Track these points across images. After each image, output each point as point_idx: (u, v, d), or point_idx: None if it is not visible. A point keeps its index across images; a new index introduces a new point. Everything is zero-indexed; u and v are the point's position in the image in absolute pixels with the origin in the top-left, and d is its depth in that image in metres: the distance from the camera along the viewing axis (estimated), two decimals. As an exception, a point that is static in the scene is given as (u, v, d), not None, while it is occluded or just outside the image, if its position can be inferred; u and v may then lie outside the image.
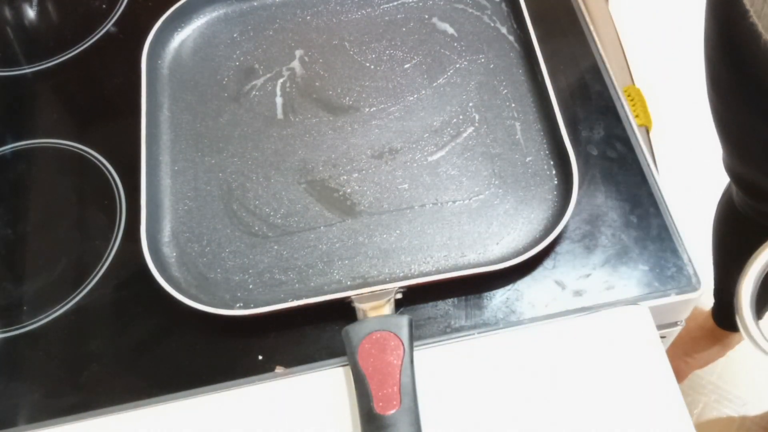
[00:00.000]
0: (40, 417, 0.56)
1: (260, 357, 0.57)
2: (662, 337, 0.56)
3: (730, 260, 0.95)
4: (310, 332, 0.58)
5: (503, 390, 0.54)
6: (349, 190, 0.64)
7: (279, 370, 0.56)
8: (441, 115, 0.67)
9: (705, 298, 0.97)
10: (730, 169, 0.79)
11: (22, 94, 0.75)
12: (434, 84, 0.69)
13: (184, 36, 0.74)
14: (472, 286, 0.58)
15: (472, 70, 0.69)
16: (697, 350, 1.17)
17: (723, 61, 0.65)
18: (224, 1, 0.75)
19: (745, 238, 0.90)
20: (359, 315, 0.55)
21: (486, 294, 0.58)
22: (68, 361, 0.59)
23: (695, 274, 0.58)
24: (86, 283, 0.62)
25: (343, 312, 0.56)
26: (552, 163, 0.63)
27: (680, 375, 1.24)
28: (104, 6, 0.80)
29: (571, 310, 0.57)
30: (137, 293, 0.60)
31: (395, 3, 0.74)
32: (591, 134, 0.65)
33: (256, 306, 0.57)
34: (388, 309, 0.55)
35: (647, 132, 1.14)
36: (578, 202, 0.60)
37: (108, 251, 0.63)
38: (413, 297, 0.57)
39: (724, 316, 1.08)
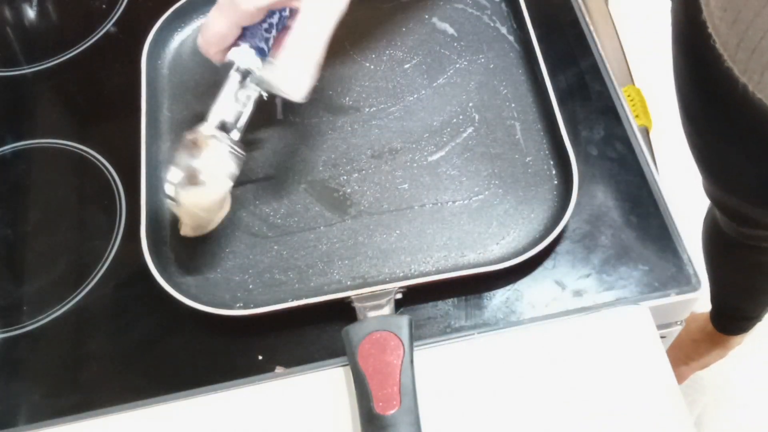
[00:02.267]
0: (40, 417, 0.56)
1: (260, 357, 0.57)
2: (662, 337, 0.56)
3: (721, 275, 0.95)
4: (310, 332, 0.58)
5: (503, 390, 0.54)
6: (349, 190, 0.64)
7: (279, 370, 0.56)
8: (441, 115, 0.67)
9: (705, 299, 0.97)
10: (711, 196, 0.79)
11: (22, 94, 0.74)
12: (434, 84, 0.69)
13: (184, 36, 0.74)
14: (472, 286, 0.58)
15: (472, 70, 0.69)
16: (697, 353, 1.17)
17: (697, 99, 0.65)
18: (224, 1, 0.75)
19: (732, 256, 0.90)
20: (359, 315, 0.55)
21: (486, 294, 0.58)
22: (68, 361, 0.59)
23: (695, 274, 0.58)
24: (86, 283, 0.62)
25: (343, 312, 0.56)
26: (552, 163, 0.63)
27: (681, 377, 1.24)
28: (104, 6, 0.80)
29: (571, 310, 0.57)
30: (137, 293, 0.60)
31: (395, 3, 0.74)
32: (591, 134, 0.65)
33: (256, 306, 0.57)
34: (388, 309, 0.55)
35: (647, 132, 1.14)
36: (578, 202, 0.60)
37: (108, 251, 0.63)
38: (413, 297, 0.57)
39: (723, 322, 1.08)
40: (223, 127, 0.58)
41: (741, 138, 0.62)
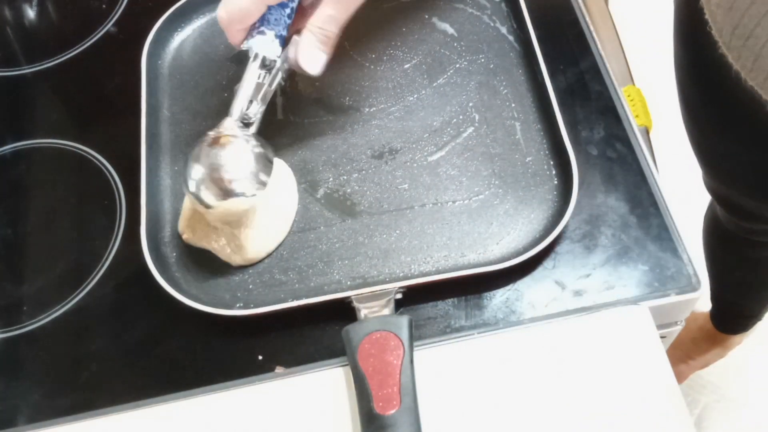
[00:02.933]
0: (40, 417, 0.56)
1: (260, 357, 0.57)
2: (662, 337, 0.56)
3: (722, 272, 0.95)
4: (310, 332, 0.58)
5: (503, 390, 0.54)
6: (349, 190, 0.64)
7: (279, 370, 0.56)
8: (441, 115, 0.67)
9: (705, 299, 0.97)
10: (712, 190, 0.79)
11: (22, 94, 0.74)
12: (434, 84, 0.69)
13: (184, 36, 0.74)
14: (472, 286, 0.58)
15: (472, 70, 0.69)
16: (697, 352, 1.17)
17: (695, 88, 0.65)
18: (224, 1, 0.75)
19: (733, 251, 0.90)
20: (359, 315, 0.55)
21: (486, 294, 0.58)
22: (68, 361, 0.59)
23: (695, 274, 0.58)
24: (86, 283, 0.62)
25: (343, 312, 0.56)
26: (552, 163, 0.63)
27: (681, 376, 1.24)
28: (104, 6, 0.80)
29: (571, 310, 0.57)
30: (137, 293, 0.60)
31: (395, 3, 0.74)
32: (591, 134, 0.65)
33: (256, 306, 0.57)
34: (388, 309, 0.55)
35: (647, 132, 1.14)
36: (578, 202, 0.60)
37: (108, 251, 0.63)
38: (413, 297, 0.57)
39: (723, 321, 1.08)
40: (245, 122, 0.57)
41: (735, 127, 0.62)
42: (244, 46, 0.57)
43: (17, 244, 0.65)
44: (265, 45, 0.57)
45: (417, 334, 0.56)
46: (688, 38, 0.63)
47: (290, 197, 0.62)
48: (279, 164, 0.63)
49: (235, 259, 0.60)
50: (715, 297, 1.03)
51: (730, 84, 0.55)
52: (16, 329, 0.61)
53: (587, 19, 0.73)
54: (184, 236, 0.61)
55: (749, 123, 0.59)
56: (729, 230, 0.86)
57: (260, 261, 0.61)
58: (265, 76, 0.58)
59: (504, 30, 0.71)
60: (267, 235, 0.60)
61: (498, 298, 0.58)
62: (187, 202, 0.62)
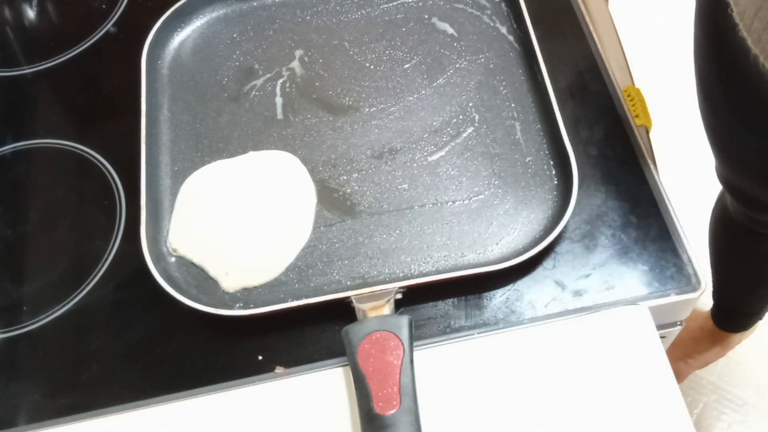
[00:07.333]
0: (40, 417, 0.56)
1: (260, 357, 0.57)
2: (662, 337, 0.56)
3: (727, 266, 0.95)
4: (310, 332, 0.58)
5: (503, 390, 0.54)
6: (349, 190, 0.64)
7: (279, 370, 0.56)
8: (441, 115, 0.67)
9: (705, 298, 0.97)
10: (724, 179, 0.79)
11: (22, 94, 0.74)
12: (434, 84, 0.69)
13: (184, 36, 0.74)
14: (472, 286, 0.58)
15: (472, 70, 0.69)
16: (697, 351, 1.17)
17: (713, 74, 0.65)
18: (224, 1, 0.75)
19: (740, 244, 0.89)
20: (359, 315, 0.55)
21: (486, 294, 0.58)
22: (68, 361, 0.59)
23: (695, 274, 0.58)
24: (86, 283, 0.62)
25: (343, 312, 0.56)
26: (552, 163, 0.63)
27: (680, 375, 1.23)
28: (104, 6, 0.80)
29: (571, 310, 0.57)
30: (137, 293, 0.60)
31: (395, 3, 0.74)
32: (591, 134, 0.65)
33: (256, 306, 0.57)
34: (387, 309, 0.55)
35: (647, 132, 1.14)
36: (578, 202, 0.60)
37: (108, 251, 0.63)
38: (413, 297, 0.57)
39: (724, 318, 1.08)
40: None
41: (750, 113, 0.61)
42: None
43: (17, 244, 0.65)
44: None
45: (417, 334, 0.56)
46: (707, 20, 0.62)
47: (304, 223, 0.61)
48: (300, 191, 0.63)
49: (230, 283, 0.59)
50: (717, 293, 1.02)
51: (748, 68, 0.54)
52: (16, 329, 0.61)
53: (587, 19, 0.73)
54: (172, 246, 0.61)
55: (764, 109, 0.58)
56: (737, 222, 0.85)
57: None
58: None
59: (504, 30, 0.71)
60: (267, 260, 0.60)
61: (498, 298, 0.58)
62: (178, 212, 0.62)
